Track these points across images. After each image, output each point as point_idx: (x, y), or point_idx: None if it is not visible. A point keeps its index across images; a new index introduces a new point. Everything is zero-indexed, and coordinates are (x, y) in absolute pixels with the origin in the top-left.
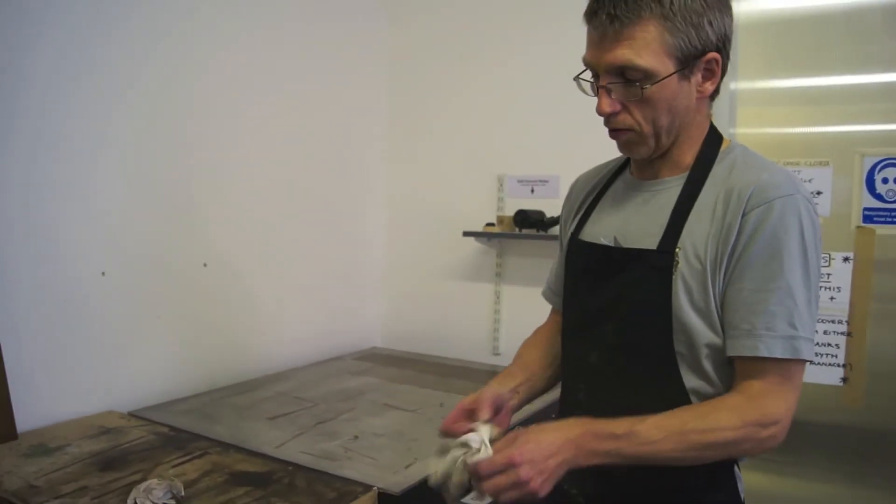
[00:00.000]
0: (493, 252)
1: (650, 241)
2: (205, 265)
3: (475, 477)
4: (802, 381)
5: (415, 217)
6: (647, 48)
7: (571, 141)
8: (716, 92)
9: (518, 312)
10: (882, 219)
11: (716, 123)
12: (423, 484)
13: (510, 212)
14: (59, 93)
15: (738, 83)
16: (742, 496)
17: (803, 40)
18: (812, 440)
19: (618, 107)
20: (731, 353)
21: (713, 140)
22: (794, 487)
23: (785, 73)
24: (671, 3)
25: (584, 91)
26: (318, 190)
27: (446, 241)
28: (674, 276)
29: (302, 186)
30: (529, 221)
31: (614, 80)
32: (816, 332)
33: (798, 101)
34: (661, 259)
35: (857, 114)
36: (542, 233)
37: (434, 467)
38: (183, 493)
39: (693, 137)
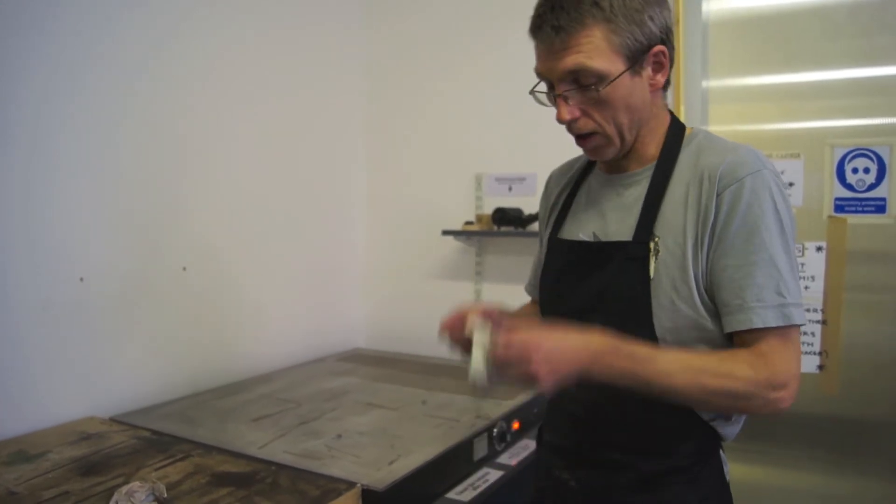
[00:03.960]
0: (473, 250)
1: (628, 233)
2: (184, 269)
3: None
4: (800, 345)
5: (395, 217)
6: (595, 51)
7: (547, 139)
8: (667, 83)
9: None
10: (853, 208)
11: (689, 121)
12: (407, 480)
13: (489, 210)
14: (40, 102)
15: (710, 81)
16: (727, 478)
17: (773, 38)
18: (789, 429)
19: (577, 113)
20: (727, 329)
21: (676, 129)
22: (771, 476)
23: (755, 70)
24: (611, 5)
25: (541, 103)
26: (298, 192)
27: (426, 240)
28: (655, 265)
29: (282, 189)
30: (508, 219)
31: (569, 87)
32: None
33: (768, 97)
34: (638, 249)
35: (826, 109)
36: (520, 230)
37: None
38: (166, 495)
39: (654, 129)
